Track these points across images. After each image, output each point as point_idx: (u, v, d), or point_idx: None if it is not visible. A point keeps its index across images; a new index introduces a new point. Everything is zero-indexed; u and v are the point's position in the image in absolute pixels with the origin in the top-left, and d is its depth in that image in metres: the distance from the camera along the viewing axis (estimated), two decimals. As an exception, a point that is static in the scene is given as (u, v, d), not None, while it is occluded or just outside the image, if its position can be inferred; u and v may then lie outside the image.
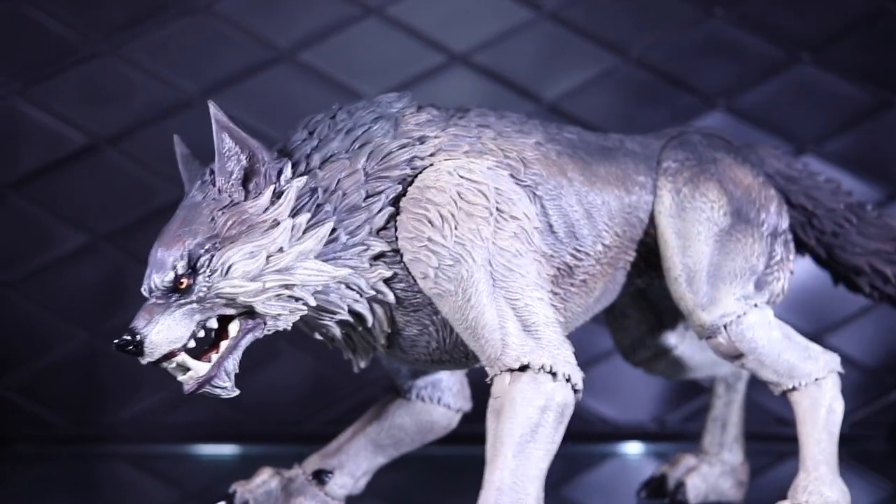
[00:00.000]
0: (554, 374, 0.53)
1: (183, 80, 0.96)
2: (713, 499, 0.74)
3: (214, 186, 0.56)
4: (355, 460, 0.66)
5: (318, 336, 0.60)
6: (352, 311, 0.56)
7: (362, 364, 0.61)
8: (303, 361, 0.94)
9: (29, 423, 0.96)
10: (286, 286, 0.54)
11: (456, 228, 0.55)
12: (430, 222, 0.55)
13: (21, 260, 0.96)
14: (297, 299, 0.55)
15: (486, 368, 0.55)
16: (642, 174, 0.63)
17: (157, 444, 0.95)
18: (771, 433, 0.93)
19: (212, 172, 0.56)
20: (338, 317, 0.57)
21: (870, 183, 0.98)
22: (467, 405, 0.67)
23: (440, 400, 0.65)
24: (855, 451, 0.87)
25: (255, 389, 0.97)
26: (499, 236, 0.56)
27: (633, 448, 0.96)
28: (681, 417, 0.92)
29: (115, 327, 0.97)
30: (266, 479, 0.65)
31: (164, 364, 0.54)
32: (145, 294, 0.55)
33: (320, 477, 0.65)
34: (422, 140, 0.57)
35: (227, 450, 0.94)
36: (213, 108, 0.56)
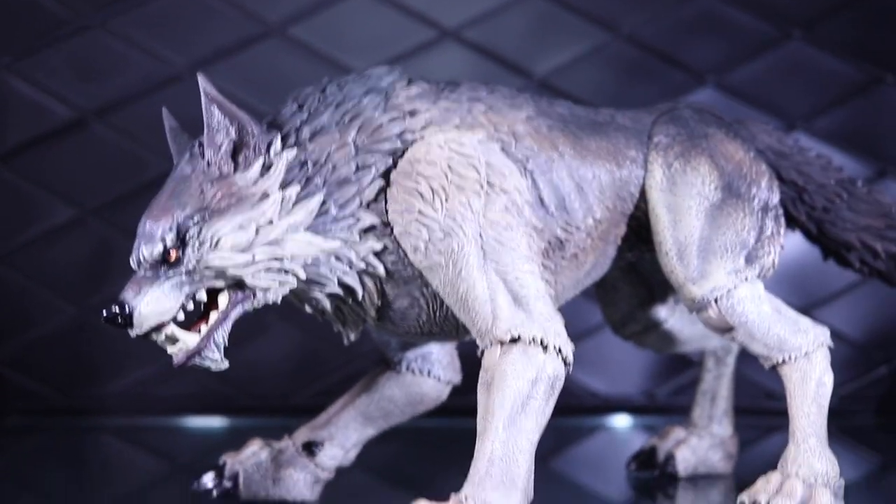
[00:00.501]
0: (545, 347, 0.53)
1: (172, 54, 0.96)
2: (702, 471, 0.75)
3: (203, 159, 0.55)
4: (345, 432, 0.66)
5: (307, 308, 0.59)
6: (342, 284, 0.56)
7: (352, 336, 0.61)
8: (292, 334, 0.94)
9: (18, 397, 0.96)
10: (276, 258, 0.54)
11: (447, 202, 0.55)
12: (420, 195, 0.55)
13: (9, 234, 0.96)
14: (286, 272, 0.55)
15: (477, 341, 0.55)
16: (633, 149, 0.62)
17: (146, 416, 0.96)
18: (760, 407, 0.93)
19: (200, 145, 0.56)
20: (328, 289, 0.56)
21: (859, 159, 0.98)
22: (457, 377, 0.67)
23: (430, 372, 0.65)
24: (843, 424, 0.87)
25: (244, 362, 0.96)
26: (489, 210, 0.56)
27: (622, 421, 0.97)
28: (670, 391, 0.92)
29: (104, 301, 0.97)
30: (256, 451, 0.65)
31: (153, 336, 0.54)
32: (134, 266, 0.55)
33: (310, 448, 0.65)
34: (412, 113, 0.57)
35: (216, 422, 0.94)
36: (202, 81, 0.55)
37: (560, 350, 0.54)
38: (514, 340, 0.53)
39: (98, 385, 0.96)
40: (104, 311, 0.53)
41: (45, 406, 0.96)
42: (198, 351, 0.54)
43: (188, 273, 0.54)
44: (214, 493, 0.65)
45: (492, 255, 0.55)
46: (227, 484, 0.65)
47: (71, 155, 0.96)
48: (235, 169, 0.55)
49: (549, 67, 0.98)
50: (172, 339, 0.55)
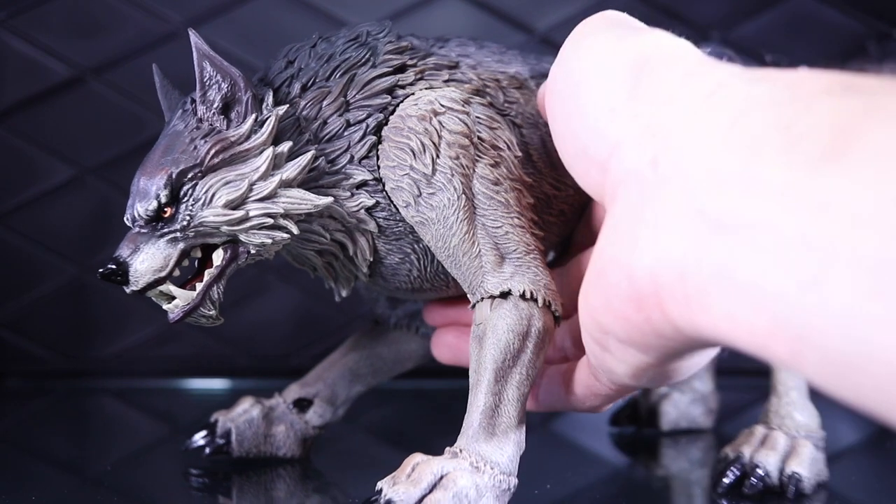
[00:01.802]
0: (535, 301, 0.54)
1: (168, 11, 0.95)
2: (684, 425, 0.76)
3: (195, 115, 0.55)
4: (334, 389, 0.67)
5: (297, 264, 0.60)
6: (334, 240, 0.57)
7: (343, 293, 0.61)
8: (291, 296, 0.94)
9: (17, 359, 0.96)
10: (269, 215, 0.54)
11: (438, 158, 0.55)
12: (412, 151, 0.55)
13: (7, 193, 0.95)
14: (280, 228, 0.54)
15: (468, 296, 0.55)
16: None
17: (146, 378, 0.96)
18: (758, 368, 0.93)
19: (192, 101, 0.56)
20: (320, 245, 0.57)
21: (864, 116, 0.97)
22: (425, 328, 0.67)
23: (418, 329, 0.67)
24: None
25: (244, 323, 0.97)
26: (479, 165, 0.55)
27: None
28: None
29: (103, 261, 0.97)
30: (247, 408, 0.66)
31: (149, 293, 0.54)
32: (128, 223, 0.55)
33: (301, 405, 0.67)
34: (402, 69, 0.57)
35: (216, 384, 0.94)
36: (193, 37, 0.55)
37: (550, 304, 0.54)
38: (504, 295, 0.54)
39: (98, 346, 0.96)
40: (100, 268, 0.54)
41: (45, 368, 0.96)
42: (194, 307, 0.54)
43: (182, 230, 0.54)
44: (207, 450, 0.65)
45: (482, 209, 0.55)
46: (220, 441, 0.65)
47: (68, 113, 0.95)
48: (228, 125, 0.55)
49: (550, 23, 0.97)
50: (168, 297, 0.55)
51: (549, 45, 0.96)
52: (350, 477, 0.66)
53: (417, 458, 0.51)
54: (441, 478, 0.50)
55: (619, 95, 0.41)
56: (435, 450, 0.55)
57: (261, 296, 0.95)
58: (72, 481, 0.66)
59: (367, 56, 0.57)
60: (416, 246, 0.58)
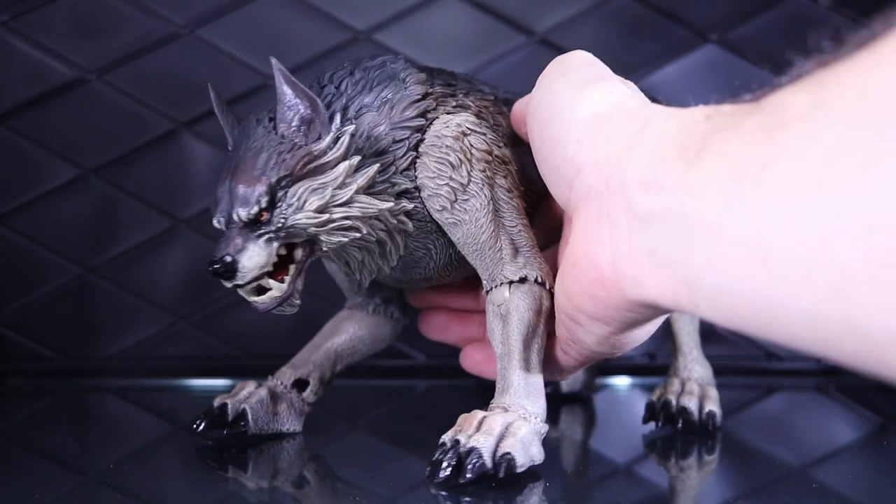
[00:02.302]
0: (543, 284, 0.65)
1: (170, 12, 0.95)
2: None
3: (276, 132, 0.64)
4: (322, 370, 0.75)
5: (332, 259, 0.67)
6: (377, 239, 0.66)
7: (365, 283, 0.69)
8: (293, 296, 0.94)
9: (20, 358, 0.96)
10: (347, 217, 0.63)
11: (471, 170, 0.66)
12: (450, 164, 0.65)
13: (10, 193, 0.96)
14: (353, 229, 0.64)
15: (486, 282, 0.66)
16: None
17: (147, 377, 0.96)
18: (760, 368, 0.93)
19: (271, 119, 0.64)
20: (365, 243, 0.66)
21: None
22: (407, 319, 0.79)
23: (392, 314, 0.77)
24: (842, 385, 0.88)
25: (246, 323, 0.97)
26: (497, 176, 0.67)
27: (622, 381, 0.98)
28: (668, 353, 0.92)
29: (106, 261, 0.98)
30: (253, 391, 0.73)
31: (247, 286, 0.62)
32: (220, 225, 0.62)
33: (300, 385, 0.74)
34: (424, 96, 0.67)
35: (218, 383, 0.95)
36: (276, 65, 0.63)
37: (550, 287, 0.65)
38: (521, 280, 0.65)
39: (100, 346, 0.97)
40: (211, 265, 0.60)
41: (48, 367, 0.96)
42: (286, 298, 0.63)
43: (276, 230, 0.62)
44: (225, 431, 0.71)
45: (500, 212, 0.66)
46: (239, 423, 0.71)
47: (71, 114, 0.96)
48: (306, 141, 0.63)
49: (550, 24, 0.98)
50: (257, 290, 0.63)
51: (549, 46, 0.97)
52: (350, 477, 0.67)
53: (479, 414, 0.62)
54: (506, 427, 0.60)
55: (583, 130, 0.54)
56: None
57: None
58: (74, 480, 0.66)
59: (399, 85, 0.67)
60: (437, 243, 0.68)
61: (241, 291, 0.63)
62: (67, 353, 0.97)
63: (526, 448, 0.60)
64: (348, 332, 0.77)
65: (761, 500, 0.61)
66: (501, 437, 0.60)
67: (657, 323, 0.58)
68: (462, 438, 0.60)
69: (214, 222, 0.63)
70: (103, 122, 0.96)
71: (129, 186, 0.97)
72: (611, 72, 0.60)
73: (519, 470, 0.60)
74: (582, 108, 0.55)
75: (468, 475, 0.59)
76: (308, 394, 0.74)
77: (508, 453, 0.59)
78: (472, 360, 0.73)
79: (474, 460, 0.59)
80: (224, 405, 0.71)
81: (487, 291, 0.66)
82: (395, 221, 0.66)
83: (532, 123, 0.60)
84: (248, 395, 0.72)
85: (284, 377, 0.74)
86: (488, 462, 0.59)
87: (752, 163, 0.40)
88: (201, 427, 0.71)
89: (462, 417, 0.62)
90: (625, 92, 0.56)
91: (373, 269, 0.68)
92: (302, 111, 0.64)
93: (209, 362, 0.97)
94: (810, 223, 0.37)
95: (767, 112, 0.41)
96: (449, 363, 0.92)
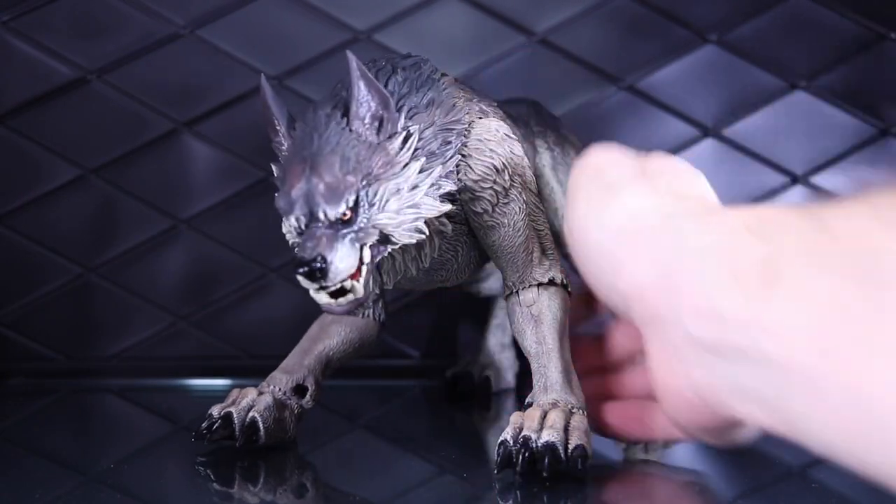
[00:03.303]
0: (565, 286, 0.67)
1: (170, 13, 0.95)
2: None
3: (351, 130, 0.61)
4: (314, 375, 0.72)
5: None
6: (417, 241, 0.64)
7: (390, 286, 0.68)
8: (291, 295, 0.94)
9: (21, 358, 0.96)
10: (418, 218, 0.62)
11: (512, 174, 0.66)
12: (495, 168, 0.66)
13: (11, 194, 0.96)
14: (420, 231, 0.62)
15: (513, 283, 0.67)
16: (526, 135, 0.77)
17: (148, 377, 0.96)
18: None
19: (343, 116, 0.61)
20: (408, 244, 0.64)
21: (862, 119, 0.97)
22: (384, 316, 0.75)
23: (379, 317, 0.75)
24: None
25: (246, 323, 0.97)
26: (527, 181, 0.68)
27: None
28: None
29: (107, 261, 0.98)
30: (256, 398, 0.68)
31: (332, 287, 0.59)
32: (300, 225, 0.60)
33: (300, 391, 0.71)
34: (458, 100, 0.67)
35: (218, 383, 0.95)
36: (352, 58, 0.61)
37: (570, 288, 0.68)
38: (550, 282, 0.67)
39: (101, 346, 0.97)
40: (303, 266, 0.57)
41: (49, 367, 0.96)
42: (364, 299, 0.60)
43: (359, 230, 0.60)
44: (238, 445, 0.66)
45: (531, 216, 0.68)
46: (252, 434, 0.67)
47: (72, 114, 0.96)
48: (377, 138, 0.61)
49: (549, 25, 0.98)
50: (343, 291, 0.60)
51: (549, 47, 0.97)
52: (350, 476, 0.67)
53: (537, 410, 0.62)
54: (567, 421, 0.61)
55: (612, 250, 0.51)
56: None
57: (261, 296, 0.96)
58: (74, 480, 0.66)
59: (437, 87, 0.66)
60: (464, 246, 0.69)
61: (318, 294, 0.60)
62: (68, 353, 0.97)
63: (590, 440, 0.61)
64: (339, 335, 0.74)
65: (761, 500, 0.62)
66: (567, 432, 0.61)
67: (751, 431, 0.54)
68: (532, 435, 0.60)
69: (290, 220, 0.60)
70: (103, 122, 0.96)
71: (129, 186, 0.97)
72: (626, 165, 0.54)
73: (588, 462, 0.61)
74: (609, 231, 0.51)
75: (545, 472, 0.59)
76: (307, 400, 0.70)
77: (581, 446, 0.60)
78: (633, 422, 0.65)
79: (550, 455, 0.59)
80: (229, 414, 0.67)
81: (512, 293, 0.68)
82: (436, 223, 0.65)
83: (572, 235, 0.55)
84: (251, 403, 0.68)
85: (281, 383, 0.70)
86: (563, 456, 0.60)
87: (853, 308, 0.38)
88: (207, 439, 0.66)
89: (517, 415, 0.62)
90: (645, 205, 0.51)
91: (400, 271, 0.67)
92: (373, 108, 0.61)
93: (209, 362, 0.97)
94: None
95: (841, 240, 0.40)
96: (444, 363, 0.93)
